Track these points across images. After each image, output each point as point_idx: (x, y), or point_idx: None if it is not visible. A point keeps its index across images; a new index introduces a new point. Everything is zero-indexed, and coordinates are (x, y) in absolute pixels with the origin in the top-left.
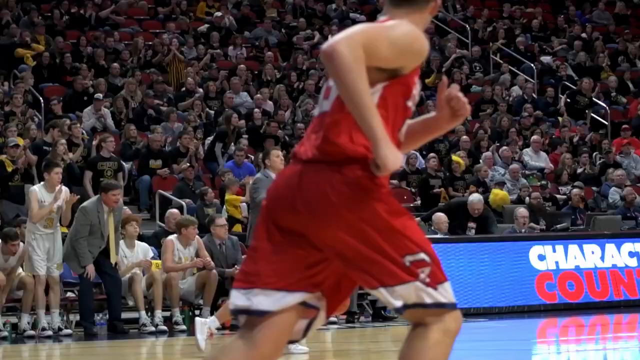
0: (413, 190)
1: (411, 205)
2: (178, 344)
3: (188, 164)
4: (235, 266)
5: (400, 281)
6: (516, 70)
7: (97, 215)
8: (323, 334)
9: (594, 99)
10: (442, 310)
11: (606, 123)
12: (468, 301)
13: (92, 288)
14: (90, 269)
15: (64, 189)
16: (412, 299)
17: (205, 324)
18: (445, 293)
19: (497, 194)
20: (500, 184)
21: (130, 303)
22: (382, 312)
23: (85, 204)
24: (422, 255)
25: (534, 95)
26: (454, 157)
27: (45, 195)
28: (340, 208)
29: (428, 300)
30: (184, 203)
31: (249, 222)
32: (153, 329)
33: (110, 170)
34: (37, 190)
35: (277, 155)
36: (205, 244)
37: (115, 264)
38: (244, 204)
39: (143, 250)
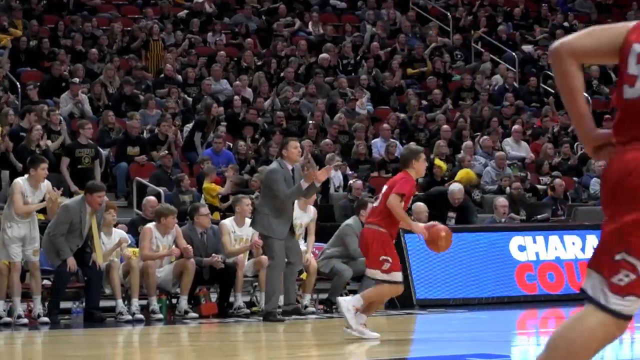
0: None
1: None
2: (155, 333)
3: (167, 152)
4: (214, 254)
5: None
6: (497, 59)
7: (80, 214)
8: (302, 324)
9: None
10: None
11: None
12: (447, 292)
13: (68, 277)
14: (71, 262)
15: (47, 183)
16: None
17: (351, 302)
18: (628, 304)
19: (467, 173)
20: (479, 175)
21: (107, 291)
22: None
23: (68, 201)
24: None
25: (515, 85)
26: (437, 162)
27: (29, 190)
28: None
29: (602, 302)
30: (161, 190)
31: (256, 209)
32: (130, 317)
33: (87, 157)
34: (20, 183)
35: (295, 147)
36: (186, 233)
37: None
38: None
39: (121, 237)
